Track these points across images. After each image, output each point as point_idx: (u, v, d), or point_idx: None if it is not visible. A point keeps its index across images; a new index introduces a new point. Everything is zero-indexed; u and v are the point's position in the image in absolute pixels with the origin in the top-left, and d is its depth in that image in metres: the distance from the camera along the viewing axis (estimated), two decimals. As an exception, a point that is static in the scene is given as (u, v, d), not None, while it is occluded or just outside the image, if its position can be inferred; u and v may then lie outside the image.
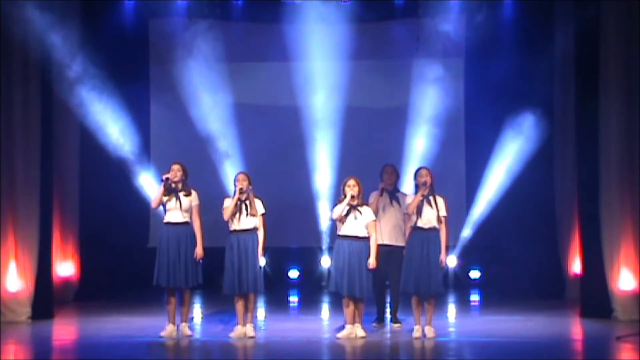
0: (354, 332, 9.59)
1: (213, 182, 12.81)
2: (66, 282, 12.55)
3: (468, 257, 14.05)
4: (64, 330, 10.66)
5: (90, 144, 12.59)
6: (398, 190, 10.49)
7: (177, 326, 9.81)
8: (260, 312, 11.92)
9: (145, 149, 13.48)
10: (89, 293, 12.76)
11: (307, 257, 14.25)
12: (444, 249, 9.56)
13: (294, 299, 13.53)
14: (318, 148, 13.56)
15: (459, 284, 14.07)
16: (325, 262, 13.90)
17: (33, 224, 10.90)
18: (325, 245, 13.84)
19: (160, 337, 9.68)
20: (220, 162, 13.34)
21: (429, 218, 9.54)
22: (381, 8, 13.65)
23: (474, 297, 13.52)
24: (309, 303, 12.93)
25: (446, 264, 10.56)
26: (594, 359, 8.87)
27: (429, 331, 9.59)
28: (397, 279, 9.94)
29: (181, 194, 9.74)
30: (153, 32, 13.95)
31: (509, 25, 13.53)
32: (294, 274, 14.43)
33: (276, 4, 13.29)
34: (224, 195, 10.11)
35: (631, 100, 10.67)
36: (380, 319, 10.52)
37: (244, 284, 9.58)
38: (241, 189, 9.61)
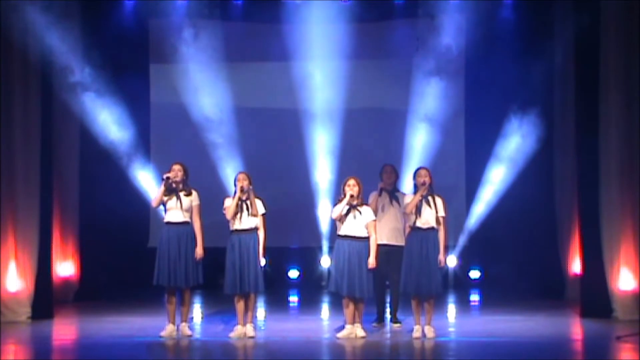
0: (354, 332, 9.59)
1: (213, 181, 12.81)
2: (66, 282, 12.56)
3: (468, 257, 14.06)
4: (64, 330, 10.66)
5: (90, 144, 12.59)
6: (397, 190, 10.49)
7: (177, 326, 9.81)
8: (260, 312, 11.92)
9: (145, 148, 13.50)
10: (89, 293, 12.77)
11: (307, 257, 14.27)
12: (442, 249, 9.57)
13: (294, 299, 13.53)
14: (318, 148, 13.56)
15: (459, 284, 14.08)
16: (325, 262, 13.91)
17: (33, 224, 10.90)
18: (325, 245, 13.84)
19: (160, 337, 9.68)
20: (220, 162, 13.35)
21: (427, 218, 9.54)
22: (381, 8, 13.66)
23: (474, 297, 13.53)
24: (309, 303, 12.94)
25: (446, 264, 10.56)
26: (594, 359, 8.87)
27: (429, 331, 9.59)
28: (397, 279, 9.94)
29: (182, 194, 9.75)
30: (153, 32, 13.95)
31: (508, 25, 13.54)
32: (294, 274, 14.44)
33: (276, 4, 13.31)
34: (224, 195, 10.11)
35: (631, 101, 10.67)
36: (380, 319, 10.52)
37: (246, 284, 9.58)
38: (242, 188, 9.62)
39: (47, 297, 11.05)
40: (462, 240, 13.75)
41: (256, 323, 10.26)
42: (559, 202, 12.98)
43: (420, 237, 9.52)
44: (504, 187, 13.32)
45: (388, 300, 10.66)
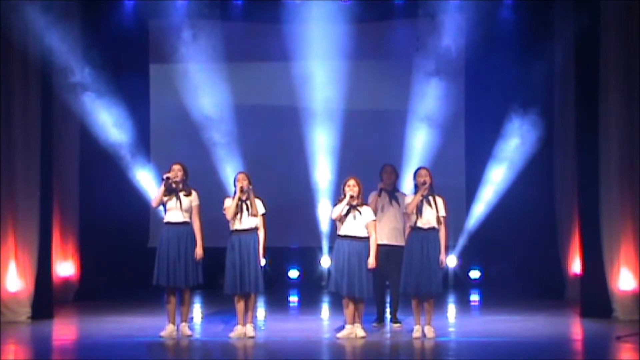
0: (354, 332, 9.59)
1: (213, 181, 12.80)
2: (66, 282, 12.56)
3: (468, 257, 14.06)
4: (64, 330, 10.67)
5: (90, 144, 12.59)
6: (397, 190, 10.49)
7: (177, 326, 9.81)
8: (260, 312, 11.92)
9: (145, 148, 13.49)
10: (89, 293, 12.77)
11: (307, 257, 14.26)
12: (443, 249, 9.57)
13: (294, 299, 13.53)
14: (318, 148, 13.56)
15: (459, 284, 14.08)
16: (325, 262, 13.90)
17: (33, 224, 10.91)
18: (325, 245, 13.84)
19: (160, 337, 9.68)
20: (220, 162, 13.35)
21: (428, 218, 9.54)
22: (381, 8, 13.66)
23: (474, 297, 13.53)
24: (309, 303, 12.94)
25: (446, 264, 10.56)
26: (594, 359, 8.87)
27: (429, 331, 9.59)
28: (397, 279, 9.94)
29: (181, 194, 9.75)
30: (153, 32, 13.95)
31: (508, 25, 13.54)
32: (294, 274, 14.44)
33: (276, 4, 13.30)
34: (223, 195, 10.12)
35: (631, 101, 10.68)
36: (380, 319, 10.52)
37: (246, 284, 9.58)
38: (241, 188, 9.62)
39: (47, 297, 11.05)
40: (462, 240, 13.74)
41: (256, 323, 10.26)
42: (559, 202, 12.98)
43: (421, 237, 9.51)
44: (504, 187, 13.31)
45: (388, 300, 10.66)
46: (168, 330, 9.75)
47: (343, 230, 9.56)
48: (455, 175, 13.83)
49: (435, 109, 13.16)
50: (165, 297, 9.87)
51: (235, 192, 9.70)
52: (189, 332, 9.80)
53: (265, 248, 9.77)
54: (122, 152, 12.78)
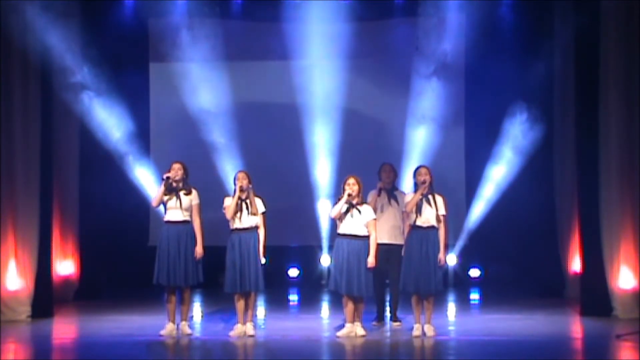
0: (354, 330, 9.60)
1: (213, 180, 12.80)
2: (66, 280, 12.56)
3: (468, 256, 14.05)
4: (64, 329, 10.68)
5: (90, 143, 12.60)
6: (396, 189, 10.50)
7: (177, 325, 9.82)
8: (260, 310, 11.93)
9: (145, 148, 13.50)
10: (89, 292, 12.77)
11: (306, 255, 14.25)
12: (443, 248, 9.57)
13: (293, 297, 13.53)
14: (317, 147, 13.56)
15: (459, 283, 14.08)
16: (325, 260, 13.91)
17: (33, 223, 10.91)
18: (325, 243, 13.83)
19: (160, 335, 9.69)
20: (220, 160, 13.35)
21: (427, 217, 9.54)
22: (381, 6, 13.66)
23: (474, 296, 13.52)
24: (309, 302, 12.94)
25: (446, 263, 10.57)
26: (594, 357, 8.89)
27: (429, 330, 9.60)
28: (397, 278, 9.94)
29: (181, 193, 9.76)
30: (153, 30, 13.94)
31: (508, 25, 13.53)
32: (293, 272, 14.43)
33: (276, 3, 13.29)
34: (223, 193, 10.12)
35: (631, 101, 10.69)
36: (380, 318, 10.53)
37: (246, 283, 9.60)
38: (241, 187, 9.63)
39: (47, 296, 11.06)
40: (462, 239, 13.74)
41: (256, 322, 10.27)
42: (559, 202, 12.98)
43: (421, 236, 9.52)
44: (504, 187, 13.30)
45: (388, 299, 10.67)
46: (168, 329, 9.76)
47: (342, 228, 9.57)
48: (455, 175, 13.82)
49: (434, 108, 13.17)
50: (165, 296, 9.88)
51: (235, 191, 9.71)
52: (188, 331, 9.80)
53: (265, 247, 9.78)
54: (121, 151, 12.79)
